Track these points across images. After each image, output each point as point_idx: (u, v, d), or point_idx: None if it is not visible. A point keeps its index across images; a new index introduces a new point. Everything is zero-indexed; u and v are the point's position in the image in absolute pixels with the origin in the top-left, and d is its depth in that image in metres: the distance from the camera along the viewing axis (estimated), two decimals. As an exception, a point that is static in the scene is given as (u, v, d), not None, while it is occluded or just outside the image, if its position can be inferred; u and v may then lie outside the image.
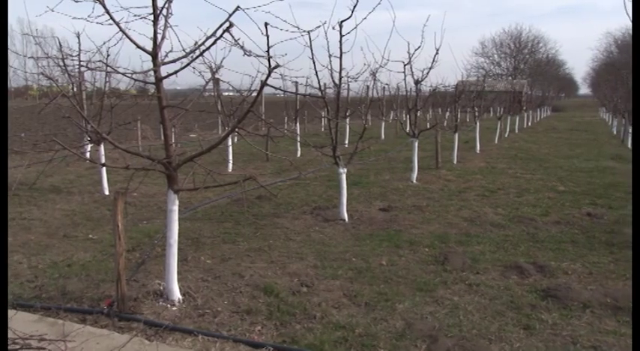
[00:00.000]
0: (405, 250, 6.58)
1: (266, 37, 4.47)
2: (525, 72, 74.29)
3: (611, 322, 4.53)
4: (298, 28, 5.97)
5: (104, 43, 5.04)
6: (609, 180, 12.28)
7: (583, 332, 4.34)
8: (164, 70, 4.47)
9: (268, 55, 4.46)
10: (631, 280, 5.44)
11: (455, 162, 14.90)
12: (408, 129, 12.13)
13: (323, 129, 27.43)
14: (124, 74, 4.66)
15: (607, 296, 4.98)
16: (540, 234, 7.40)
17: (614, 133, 27.66)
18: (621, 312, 4.69)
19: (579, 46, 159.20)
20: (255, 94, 5.55)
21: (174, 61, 4.47)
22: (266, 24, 4.49)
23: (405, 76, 11.33)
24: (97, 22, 4.37)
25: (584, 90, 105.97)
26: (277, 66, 4.36)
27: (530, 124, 36.76)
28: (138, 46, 4.34)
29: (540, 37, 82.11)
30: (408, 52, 10.85)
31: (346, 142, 19.45)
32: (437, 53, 11.29)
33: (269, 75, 4.32)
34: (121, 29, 4.32)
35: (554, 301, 4.95)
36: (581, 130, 32.02)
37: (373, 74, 10.08)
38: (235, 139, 15.98)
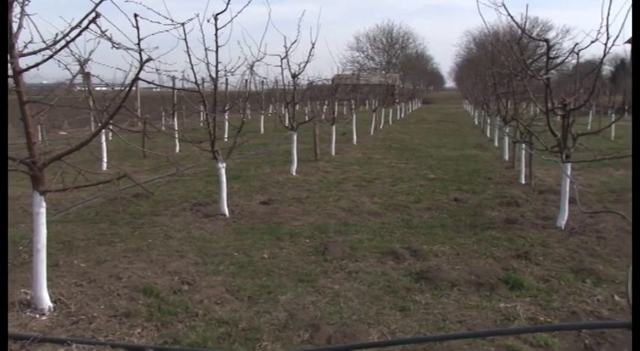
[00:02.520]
0: (286, 242, 6.68)
1: (136, 29, 4.32)
2: (397, 66, 77.63)
3: (474, 298, 4.93)
4: (172, 21, 5.83)
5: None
6: (472, 167, 13.28)
7: (452, 309, 4.68)
8: (23, 63, 4.16)
9: (139, 48, 4.31)
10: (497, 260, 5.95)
11: (333, 154, 15.30)
12: (286, 122, 12.26)
13: (202, 124, 26.90)
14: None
15: (471, 274, 5.40)
16: (414, 220, 7.84)
17: (476, 123, 29.84)
18: (483, 288, 5.11)
19: (445, 43, 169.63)
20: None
21: (35, 53, 4.18)
22: (135, 15, 4.34)
23: (283, 69, 11.45)
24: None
25: (449, 83, 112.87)
26: (149, 59, 4.24)
27: (403, 115, 38.58)
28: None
29: (410, 33, 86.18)
30: (285, 46, 10.97)
31: (225, 136, 19.25)
32: (313, 47, 11.52)
33: (140, 69, 4.19)
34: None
35: (426, 283, 5.27)
36: (448, 121, 34.21)
37: (251, 68, 10.08)
38: (110, 136, 15.21)
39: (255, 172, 12.00)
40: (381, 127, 26.54)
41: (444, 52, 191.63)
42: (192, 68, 7.35)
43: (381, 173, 12.19)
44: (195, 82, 7.79)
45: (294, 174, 11.65)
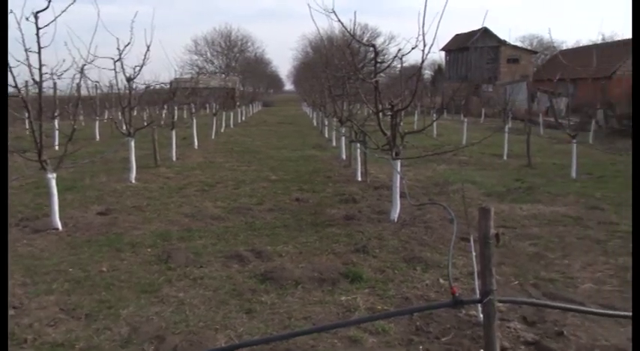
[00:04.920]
0: (127, 253, 6.38)
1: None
2: (237, 69, 77.60)
3: (318, 294, 5.12)
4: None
5: None
6: (312, 167, 13.75)
7: (297, 307, 4.82)
8: None
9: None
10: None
11: (174, 159, 14.88)
12: (123, 128, 11.68)
13: (27, 132, 24.58)
14: None
15: (314, 271, 5.60)
16: (257, 222, 7.91)
17: (315, 124, 30.88)
18: (325, 283, 5.33)
19: (282, 46, 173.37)
20: None
21: None
22: None
23: (117, 73, 10.92)
24: None
25: (289, 86, 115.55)
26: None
27: (244, 118, 38.65)
28: None
29: (249, 37, 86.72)
30: (118, 49, 10.48)
31: (56, 144, 17.83)
32: (148, 50, 11.14)
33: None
34: None
35: (271, 283, 5.36)
36: (288, 123, 34.95)
37: (81, 71, 9.44)
38: None
39: (91, 182, 11.25)
40: (222, 130, 26.36)
41: (283, 55, 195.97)
42: (11, 70, 6.71)
43: (224, 177, 12.12)
44: (15, 86, 7.10)
45: (133, 182, 11.13)
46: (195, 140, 18.71)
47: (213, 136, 22.41)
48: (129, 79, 11.38)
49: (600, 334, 4.19)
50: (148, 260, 6.13)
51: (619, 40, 39.01)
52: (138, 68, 11.38)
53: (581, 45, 50.80)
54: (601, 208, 8.57)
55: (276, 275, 5.49)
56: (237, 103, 41.79)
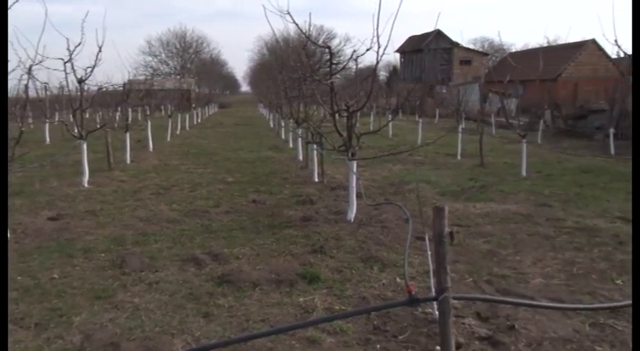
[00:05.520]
0: (80, 259, 6.22)
1: None
2: (193, 71, 76.73)
3: (275, 295, 5.12)
4: None
5: None
6: (269, 168, 13.72)
7: (254, 309, 4.80)
8: None
9: None
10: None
11: (128, 162, 14.59)
12: (75, 131, 11.38)
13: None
14: None
15: (272, 273, 5.60)
16: (214, 224, 7.85)
17: (272, 126, 30.80)
18: (283, 285, 5.33)
19: (239, 48, 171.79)
20: None
21: None
22: None
23: (67, 74, 10.65)
24: None
25: (245, 87, 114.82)
26: None
27: (200, 120, 38.22)
28: None
29: (204, 38, 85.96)
30: (69, 49, 10.22)
31: (1, 147, 17.18)
32: (100, 51, 10.91)
33: None
34: None
35: (229, 286, 5.33)
36: (245, 124, 34.76)
37: (29, 72, 9.16)
38: None
39: (41, 186, 10.91)
40: (177, 132, 26.01)
41: (239, 56, 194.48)
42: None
43: (179, 179, 11.96)
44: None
45: (86, 185, 10.86)
46: (150, 143, 18.39)
47: (168, 139, 22.09)
48: (80, 81, 11.09)
49: (549, 326, 4.34)
50: (102, 266, 5.99)
51: (563, 44, 40.57)
52: (89, 69, 11.11)
53: (529, 48, 52.38)
54: (549, 205, 8.86)
55: (233, 278, 5.46)
56: (193, 105, 41.37)
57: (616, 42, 10.41)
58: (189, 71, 77.02)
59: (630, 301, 4.16)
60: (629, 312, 4.54)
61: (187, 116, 31.36)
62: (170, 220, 8.05)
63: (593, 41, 36.36)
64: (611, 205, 8.81)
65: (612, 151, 16.23)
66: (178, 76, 67.84)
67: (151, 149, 18.07)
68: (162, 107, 32.50)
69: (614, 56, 25.27)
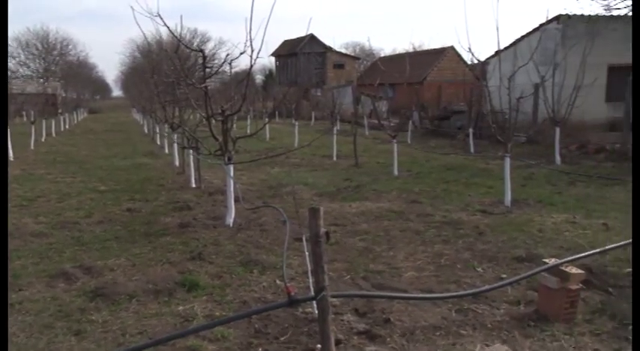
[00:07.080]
0: None
1: None
2: (58, 74, 71.84)
3: (153, 306, 4.97)
4: None
5: None
6: (144, 175, 13.24)
7: (131, 322, 4.63)
8: None
9: None
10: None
11: (-16, 173, 13.38)
12: None
13: None
14: None
15: (149, 283, 5.42)
16: (85, 236, 7.44)
17: (146, 131, 29.71)
18: (161, 294, 5.19)
19: (109, 50, 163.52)
20: None
21: None
22: None
23: None
24: None
25: (117, 92, 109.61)
26: None
27: (67, 126, 35.92)
28: None
29: (70, 40, 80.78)
30: None
31: None
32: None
33: None
34: None
35: (103, 300, 5.08)
36: (117, 130, 33.19)
37: None
38: None
39: None
40: (42, 139, 24.27)
41: (109, 59, 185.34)
42: None
43: (46, 190, 11.18)
44: None
45: None
46: (11, 151, 17.01)
47: (32, 147, 20.56)
48: None
49: (420, 316, 4.62)
50: (-45, 288, 5.46)
51: (427, 50, 43.41)
52: None
53: (397, 52, 55.21)
54: (419, 202, 9.40)
55: (107, 291, 5.22)
56: (60, 110, 38.79)
57: (470, 49, 11.14)
58: (54, 74, 72.02)
59: (488, 286, 4.57)
60: (489, 296, 4.98)
61: (53, 122, 29.37)
62: (35, 234, 7.51)
63: (452, 48, 39.18)
64: (472, 199, 9.55)
65: (472, 149, 17.55)
66: (42, 80, 63.22)
67: (12, 158, 16.71)
68: (24, 113, 30.13)
69: (469, 62, 27.40)
